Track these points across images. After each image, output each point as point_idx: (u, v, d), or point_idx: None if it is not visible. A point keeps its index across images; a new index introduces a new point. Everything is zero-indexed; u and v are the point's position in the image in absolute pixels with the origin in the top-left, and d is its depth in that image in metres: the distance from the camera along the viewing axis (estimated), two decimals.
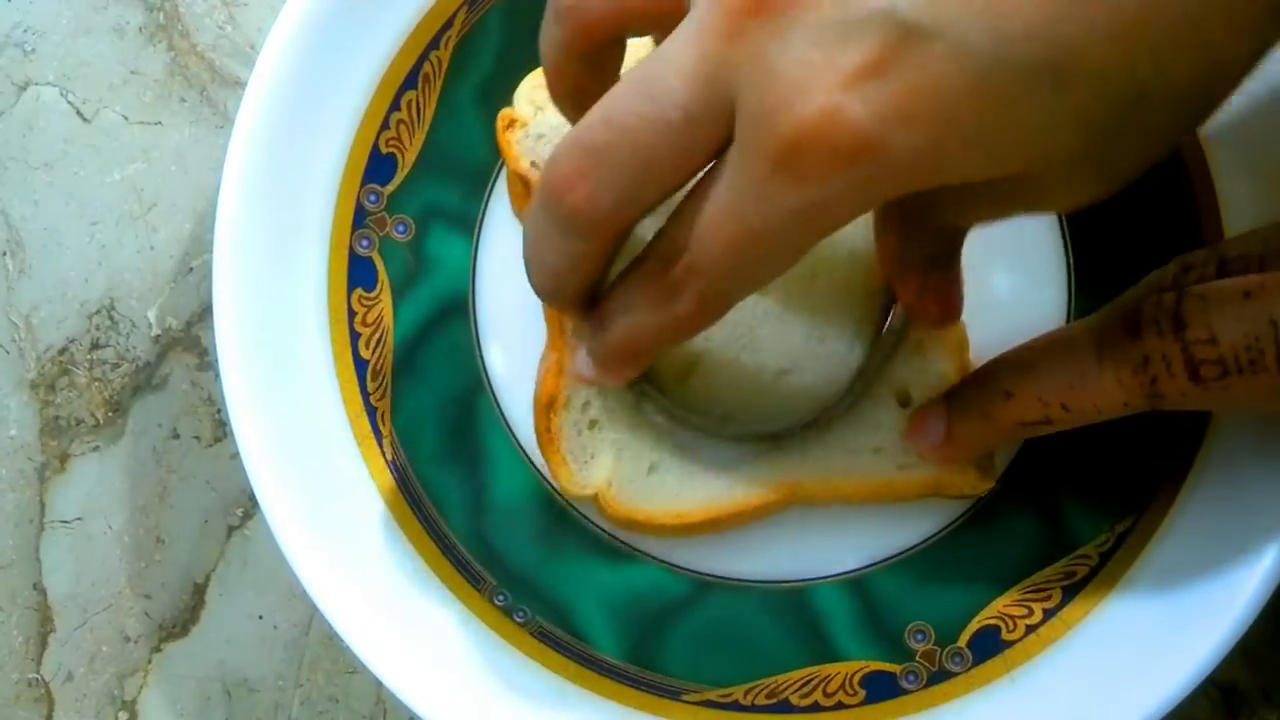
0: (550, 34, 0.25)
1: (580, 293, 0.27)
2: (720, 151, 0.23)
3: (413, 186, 0.35)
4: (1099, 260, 0.35)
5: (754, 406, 0.33)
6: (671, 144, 0.23)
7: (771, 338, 0.33)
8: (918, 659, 0.34)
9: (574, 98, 0.26)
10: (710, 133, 0.23)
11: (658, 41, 0.25)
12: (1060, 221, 0.35)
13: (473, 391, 0.35)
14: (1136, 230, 0.35)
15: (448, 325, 0.35)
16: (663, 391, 0.33)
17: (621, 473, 0.33)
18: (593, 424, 0.33)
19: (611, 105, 0.23)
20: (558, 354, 0.33)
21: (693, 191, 0.24)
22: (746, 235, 0.23)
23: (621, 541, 0.35)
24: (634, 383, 0.33)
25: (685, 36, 0.22)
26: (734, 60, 0.22)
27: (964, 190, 0.24)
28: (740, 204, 0.22)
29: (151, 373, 0.38)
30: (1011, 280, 0.35)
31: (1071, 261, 0.35)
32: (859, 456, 0.33)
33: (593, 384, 0.29)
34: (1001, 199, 0.24)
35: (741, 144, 0.22)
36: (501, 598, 0.34)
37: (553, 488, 0.35)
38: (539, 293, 0.27)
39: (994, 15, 0.19)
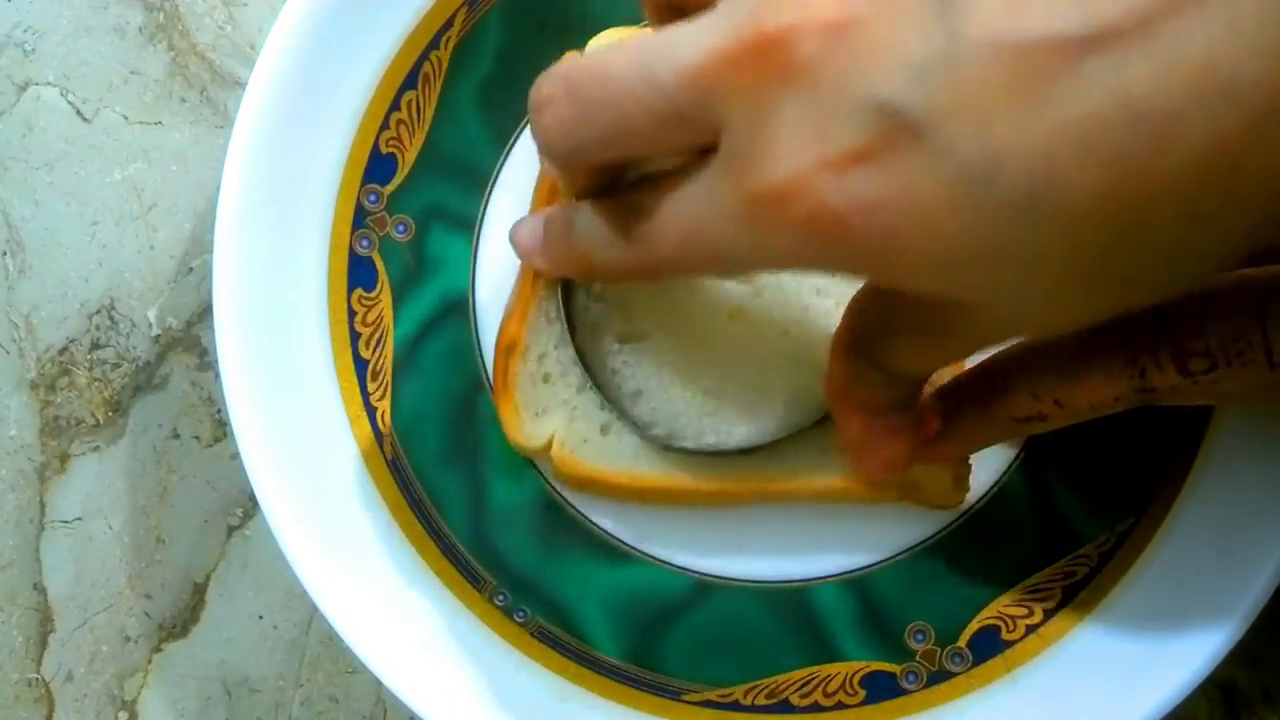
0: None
1: (573, 192, 0.28)
2: (691, 151, 0.24)
3: (413, 186, 0.35)
4: None
5: (702, 403, 0.33)
6: (648, 128, 0.23)
7: (743, 349, 0.33)
8: (918, 659, 0.34)
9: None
10: (686, 136, 0.23)
11: None
12: None
13: (473, 391, 0.35)
14: None
15: (448, 325, 0.35)
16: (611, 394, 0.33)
17: (575, 432, 0.33)
18: (547, 378, 0.33)
19: (613, 65, 0.24)
20: (523, 302, 0.33)
21: (679, 169, 0.24)
22: (697, 238, 0.24)
23: (621, 542, 0.35)
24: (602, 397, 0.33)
25: (702, 36, 0.22)
26: (734, 89, 0.22)
27: (909, 329, 0.24)
28: (702, 211, 0.23)
29: (152, 373, 0.38)
30: None
31: None
32: (830, 457, 0.33)
33: (529, 260, 0.30)
34: (944, 334, 0.24)
35: (721, 165, 0.23)
36: (501, 598, 0.34)
37: (553, 488, 0.35)
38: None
39: (988, 130, 0.19)
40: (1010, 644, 0.33)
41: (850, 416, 0.28)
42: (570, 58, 0.33)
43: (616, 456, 0.33)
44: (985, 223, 0.20)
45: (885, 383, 0.27)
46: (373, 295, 0.35)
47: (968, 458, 0.33)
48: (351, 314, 0.35)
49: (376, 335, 0.35)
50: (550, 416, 0.33)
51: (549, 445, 0.33)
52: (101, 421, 0.38)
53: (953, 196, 0.19)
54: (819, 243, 0.21)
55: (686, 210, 0.24)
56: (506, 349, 0.33)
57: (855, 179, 0.20)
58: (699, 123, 0.22)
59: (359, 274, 0.35)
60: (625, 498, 0.34)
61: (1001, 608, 0.34)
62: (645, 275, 0.27)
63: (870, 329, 0.26)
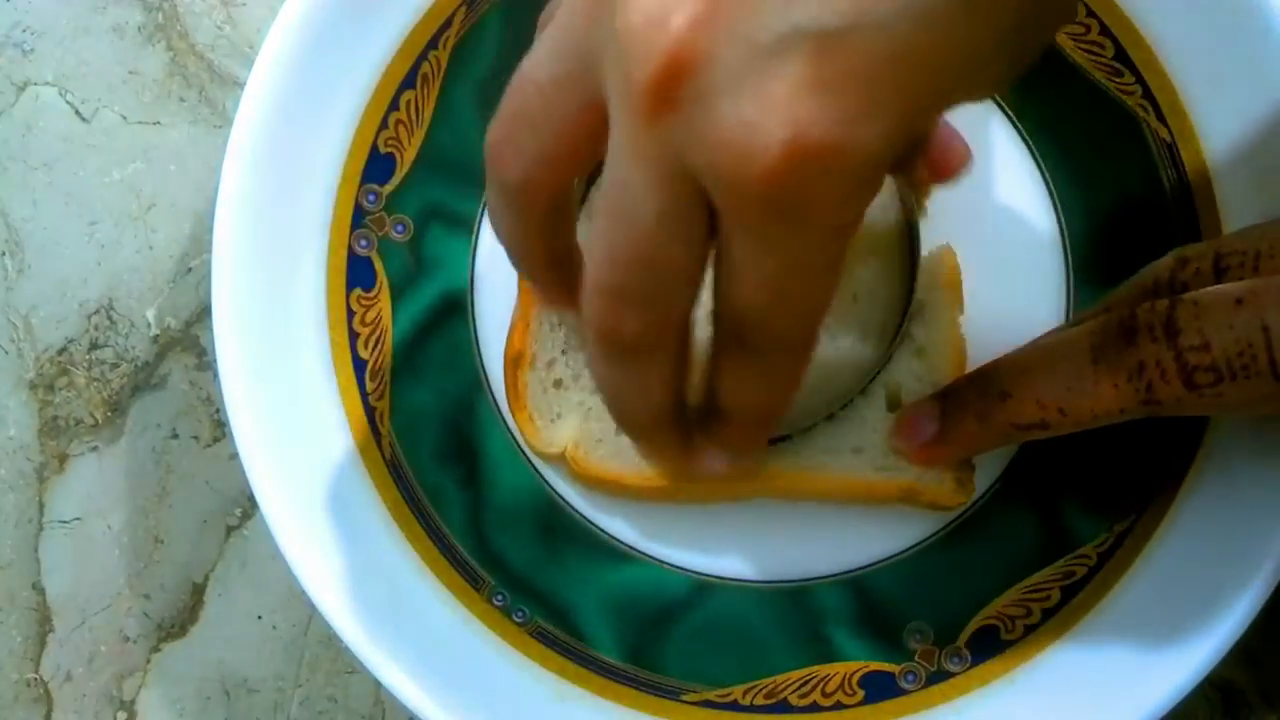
0: (508, 221, 0.26)
1: (671, 410, 0.26)
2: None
3: (411, 186, 0.35)
4: (1098, 265, 0.35)
5: None
6: (671, 250, 0.22)
7: None
8: (917, 659, 0.34)
9: (552, 267, 0.26)
10: (698, 218, 0.22)
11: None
12: (1060, 226, 0.35)
13: (472, 391, 0.35)
14: (1135, 234, 0.35)
15: (447, 325, 0.35)
16: None
17: (589, 432, 0.34)
18: (558, 383, 0.34)
19: (604, 246, 0.23)
20: (525, 310, 0.33)
21: (721, 277, 0.23)
22: (785, 288, 0.22)
23: (620, 542, 0.35)
24: None
25: (624, 158, 0.22)
26: (678, 150, 0.21)
27: None
28: (760, 263, 0.22)
29: (150, 373, 0.38)
30: (1010, 287, 0.35)
31: (1071, 266, 0.35)
32: (838, 455, 0.33)
33: (732, 473, 0.27)
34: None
35: (729, 212, 0.22)
36: (500, 598, 0.34)
37: (552, 488, 0.35)
38: (648, 432, 0.26)
39: None
40: (1009, 644, 0.33)
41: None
42: None
43: (630, 456, 0.33)
44: (938, 30, 0.20)
45: None
46: (371, 295, 0.35)
47: (970, 460, 0.33)
48: (350, 314, 0.35)
49: (375, 335, 0.35)
50: (565, 420, 0.34)
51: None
52: (100, 421, 0.38)
53: (903, 46, 0.20)
54: (850, 171, 0.21)
55: (750, 278, 0.22)
56: (514, 360, 0.33)
57: (825, 102, 0.20)
58: (693, 202, 0.22)
59: (358, 274, 0.35)
60: (639, 497, 0.34)
61: (1000, 608, 0.34)
62: (797, 368, 0.25)
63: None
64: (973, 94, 0.24)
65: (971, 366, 0.33)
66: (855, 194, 0.22)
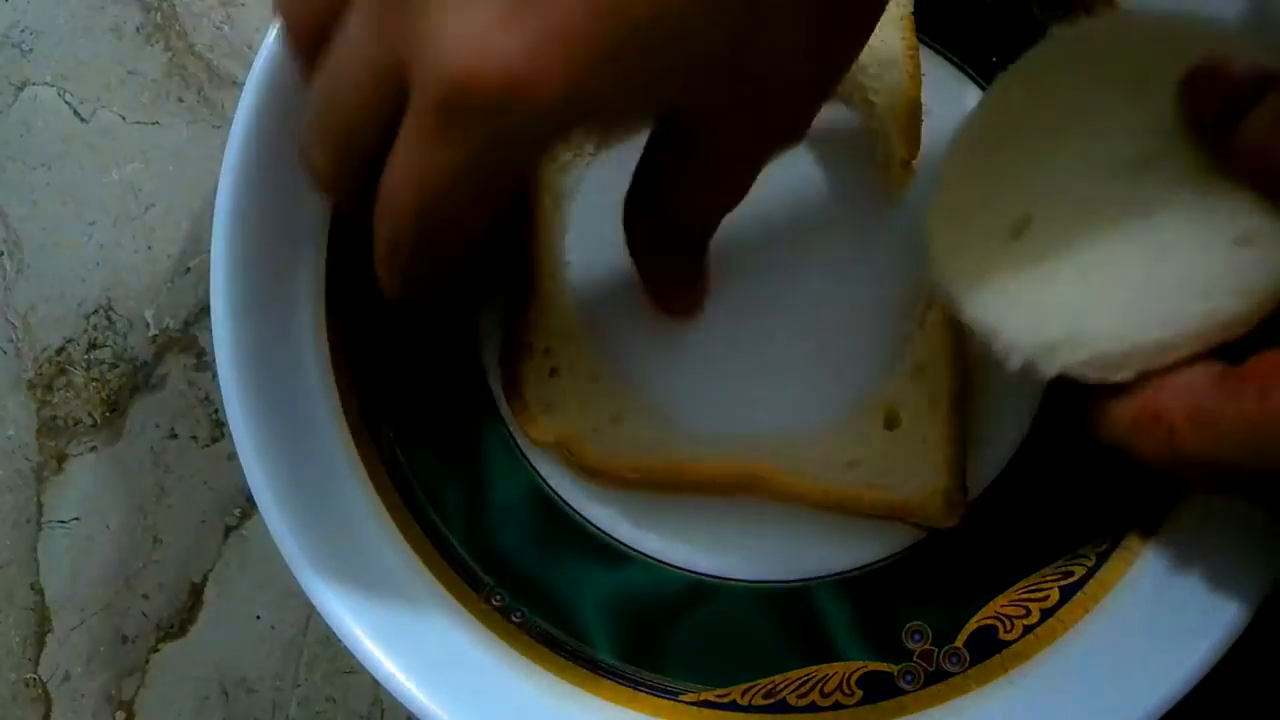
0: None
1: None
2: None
3: None
4: None
5: None
6: (362, 111, 0.25)
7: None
8: (915, 659, 0.34)
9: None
10: (390, 100, 0.24)
11: None
12: None
13: (472, 391, 0.35)
14: None
15: (447, 323, 0.35)
16: None
17: (584, 422, 0.34)
18: (554, 372, 0.34)
19: (315, 99, 0.26)
20: (523, 299, 0.34)
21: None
22: (423, 192, 0.24)
23: (619, 542, 0.35)
24: None
25: (352, 40, 0.24)
26: (393, 43, 0.23)
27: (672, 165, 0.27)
28: (413, 159, 0.24)
29: (149, 373, 0.38)
30: None
31: None
32: (832, 466, 0.33)
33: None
34: (693, 153, 0.27)
35: (411, 106, 0.24)
36: (499, 598, 0.34)
37: (551, 488, 0.35)
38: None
39: None
40: (1007, 644, 0.33)
41: (647, 261, 0.32)
42: None
43: (625, 446, 0.34)
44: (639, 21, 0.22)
45: (675, 226, 0.30)
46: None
47: (963, 480, 0.33)
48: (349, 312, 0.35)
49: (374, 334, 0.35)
50: (562, 409, 0.34)
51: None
52: (99, 421, 0.38)
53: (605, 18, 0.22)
54: (519, 103, 0.22)
55: (402, 169, 0.25)
56: (511, 349, 0.33)
57: (519, 30, 0.22)
58: (394, 87, 0.24)
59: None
60: (633, 488, 0.34)
61: (999, 608, 0.34)
62: (409, 265, 0.27)
63: (639, 182, 0.29)
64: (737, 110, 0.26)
65: (974, 388, 0.33)
66: (517, 130, 0.23)
